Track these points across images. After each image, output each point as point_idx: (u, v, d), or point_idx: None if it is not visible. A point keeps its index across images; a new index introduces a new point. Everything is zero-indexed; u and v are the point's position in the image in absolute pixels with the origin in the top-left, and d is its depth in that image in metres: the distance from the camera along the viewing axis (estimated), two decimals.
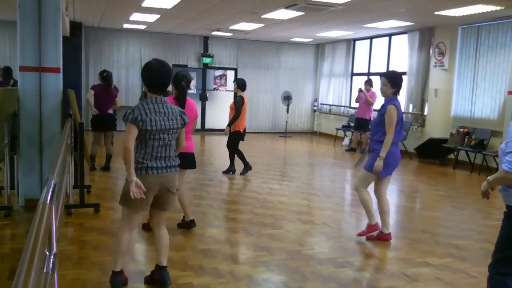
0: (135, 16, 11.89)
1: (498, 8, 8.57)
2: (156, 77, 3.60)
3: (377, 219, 5.37)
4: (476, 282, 4.22)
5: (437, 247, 5.17)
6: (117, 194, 6.86)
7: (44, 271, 2.19)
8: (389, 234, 5.31)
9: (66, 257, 4.39)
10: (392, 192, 8.25)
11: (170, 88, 4.83)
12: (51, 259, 2.29)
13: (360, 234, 5.36)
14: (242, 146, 8.79)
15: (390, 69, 13.33)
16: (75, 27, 13.45)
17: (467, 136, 10.25)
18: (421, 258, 4.78)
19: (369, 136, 12.58)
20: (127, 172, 3.53)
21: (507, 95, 8.99)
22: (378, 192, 5.40)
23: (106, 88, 8.60)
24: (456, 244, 5.28)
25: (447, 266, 4.57)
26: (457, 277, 4.31)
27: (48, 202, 2.28)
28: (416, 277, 4.26)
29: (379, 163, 5.08)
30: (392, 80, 5.23)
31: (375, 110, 12.78)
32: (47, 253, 2.33)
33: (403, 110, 12.46)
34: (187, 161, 5.09)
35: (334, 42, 15.72)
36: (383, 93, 5.31)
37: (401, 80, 5.33)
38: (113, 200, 6.57)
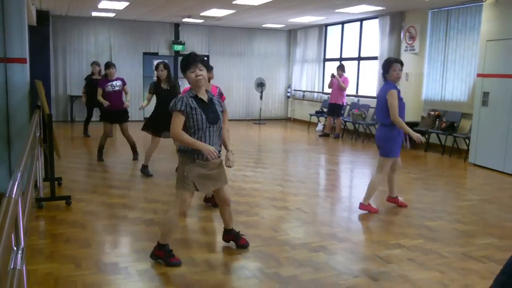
0: (103, 4, 11.66)
1: None
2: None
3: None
4: (448, 262, 4.30)
5: (409, 228, 5.25)
6: (89, 186, 6.80)
7: (12, 266, 2.15)
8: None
9: (37, 251, 4.31)
10: (364, 176, 8.34)
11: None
12: (19, 254, 2.24)
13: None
14: None
15: (362, 54, 13.42)
16: (42, 16, 13.12)
17: (437, 119, 10.40)
18: (394, 240, 4.84)
19: (342, 121, 12.70)
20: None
21: (476, 78, 9.12)
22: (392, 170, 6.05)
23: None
24: (428, 225, 5.37)
25: (419, 247, 4.65)
26: (429, 258, 4.38)
27: (13, 196, 2.23)
28: (389, 259, 4.32)
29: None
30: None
31: (348, 95, 12.87)
32: (15, 248, 2.29)
33: (375, 94, 12.60)
34: None
35: (306, 27, 15.71)
36: (400, 77, 5.67)
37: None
38: (85, 192, 6.48)
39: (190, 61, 3.96)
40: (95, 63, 11.77)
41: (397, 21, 11.80)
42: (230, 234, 4.58)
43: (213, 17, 13.50)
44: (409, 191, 7.19)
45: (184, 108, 3.88)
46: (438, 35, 10.78)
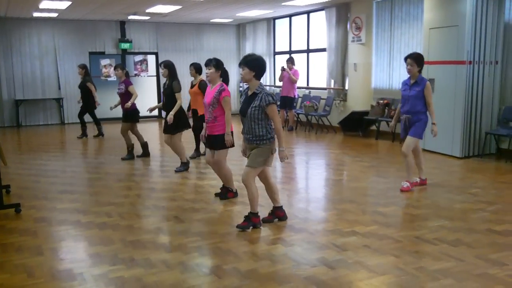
0: (44, 4, 11.28)
1: None
2: (265, 67, 4.97)
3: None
4: (402, 246, 4.40)
5: (364, 216, 5.34)
6: (39, 192, 6.58)
7: None
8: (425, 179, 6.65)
9: None
10: (319, 167, 8.46)
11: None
12: None
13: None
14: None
15: (311, 46, 13.56)
16: None
17: (387, 107, 10.63)
18: (349, 227, 4.92)
19: (295, 114, 12.80)
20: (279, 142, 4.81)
21: None
22: (416, 151, 6.54)
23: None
24: (381, 211, 5.49)
25: (374, 233, 4.74)
26: (383, 243, 4.47)
27: None
28: (345, 247, 4.39)
29: (435, 128, 6.27)
30: (418, 60, 6.17)
31: (299, 87, 12.98)
32: None
33: (325, 85, 12.77)
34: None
35: (255, 21, 15.72)
36: (410, 71, 6.21)
37: (423, 60, 6.29)
38: (35, 198, 6.27)
39: (241, 62, 4.89)
40: (78, 66, 11.92)
41: (343, 13, 11.97)
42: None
43: (160, 14, 13.31)
44: (362, 179, 7.33)
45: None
46: (383, 25, 11.00)
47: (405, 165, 6.45)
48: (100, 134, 11.86)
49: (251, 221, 4.92)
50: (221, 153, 5.89)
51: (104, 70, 15.29)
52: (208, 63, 6.02)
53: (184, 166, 7.73)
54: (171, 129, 7.59)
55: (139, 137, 9.00)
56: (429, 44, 8.95)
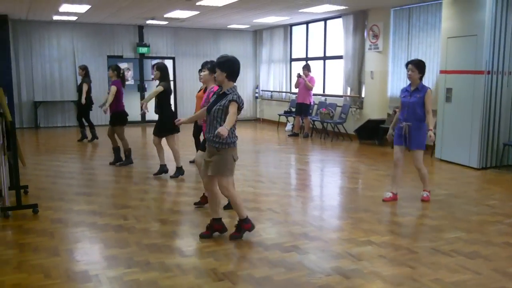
0: (64, 7, 11.43)
1: None
2: (238, 68, 4.76)
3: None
4: (418, 257, 4.37)
5: (379, 225, 5.31)
6: (56, 193, 6.66)
7: None
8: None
9: (4, 262, 4.20)
10: (334, 175, 8.43)
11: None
12: None
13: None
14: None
15: (327, 53, 13.55)
16: (0, 20, 12.80)
17: None
18: (364, 237, 4.90)
19: (310, 120, 12.79)
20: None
21: (439, 74, 9.31)
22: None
23: (123, 83, 8.78)
24: (397, 221, 5.46)
25: (389, 243, 4.71)
26: (399, 254, 4.45)
27: None
28: (360, 256, 4.37)
29: (432, 134, 5.98)
30: (419, 66, 6.07)
31: (314, 94, 12.98)
32: None
33: (341, 93, 12.74)
34: None
35: (272, 28, 15.77)
36: (410, 77, 6.12)
37: (425, 66, 6.19)
38: (52, 199, 6.34)
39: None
40: (79, 67, 11.96)
41: (360, 20, 11.95)
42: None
43: (178, 19, 13.40)
44: (378, 188, 7.28)
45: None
46: (400, 33, 10.96)
47: (419, 177, 6.39)
48: (95, 137, 11.61)
49: (243, 228, 4.86)
50: None
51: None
52: (204, 65, 6.03)
53: (179, 172, 7.72)
54: (157, 131, 7.65)
55: (124, 143, 8.64)
56: (447, 53, 8.90)
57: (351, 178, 8.23)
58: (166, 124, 7.43)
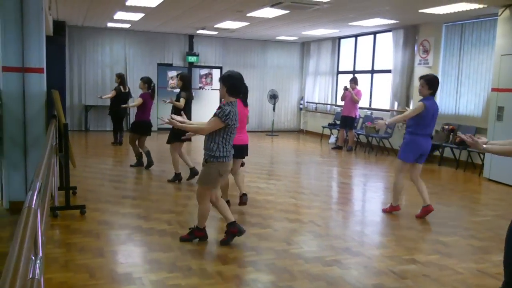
0: (119, 15, 11.80)
1: (480, 6, 8.65)
2: (241, 84, 4.89)
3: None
4: (463, 278, 4.25)
5: (424, 244, 5.20)
6: (103, 195, 6.83)
7: (30, 276, 2.16)
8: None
9: (52, 260, 4.34)
10: (378, 190, 8.31)
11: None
12: (37, 264, 2.26)
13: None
14: None
15: (375, 67, 13.42)
16: (59, 26, 13.32)
17: (452, 133, 10.33)
18: (408, 255, 4.81)
19: (355, 134, 12.67)
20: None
21: (491, 92, 9.07)
22: (412, 177, 6.41)
23: (152, 95, 9.18)
24: (442, 240, 5.32)
25: (434, 263, 4.61)
26: (444, 274, 4.34)
27: (33, 206, 2.25)
28: (404, 274, 4.28)
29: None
30: (429, 82, 6.07)
31: (361, 108, 12.86)
32: (33, 257, 2.30)
33: (388, 108, 12.57)
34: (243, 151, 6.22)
35: (320, 40, 15.75)
36: (420, 92, 6.18)
37: (438, 83, 6.19)
38: (99, 201, 6.51)
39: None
40: (116, 75, 12.22)
41: (410, 35, 11.79)
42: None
43: (227, 29, 13.59)
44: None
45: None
46: (452, 49, 10.75)
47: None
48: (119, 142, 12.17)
49: (194, 234, 5.01)
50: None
51: (170, 81, 15.71)
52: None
53: (177, 177, 7.95)
54: (169, 138, 7.95)
55: (143, 148, 9.08)
56: (500, 70, 8.66)
57: None
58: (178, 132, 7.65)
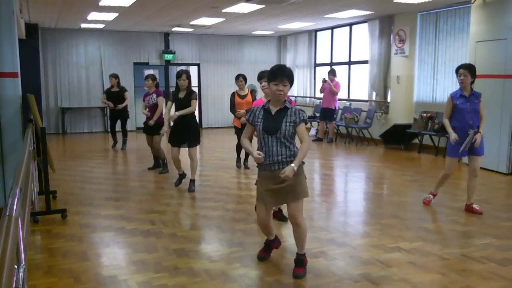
0: (93, 15, 11.64)
1: None
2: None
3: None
4: (448, 263, 4.30)
5: (408, 231, 5.25)
6: (84, 198, 6.74)
7: (14, 286, 2.12)
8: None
9: (35, 266, 4.27)
10: (359, 180, 8.36)
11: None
12: (21, 273, 2.21)
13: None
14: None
15: (352, 58, 13.48)
16: (31, 29, 13.08)
17: (430, 121, 10.45)
18: (393, 243, 4.84)
19: (335, 125, 12.73)
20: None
21: None
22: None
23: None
24: (426, 227, 5.38)
25: (419, 250, 4.65)
26: (429, 260, 4.38)
27: (13, 214, 2.19)
28: (389, 263, 4.31)
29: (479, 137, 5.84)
30: (472, 70, 5.78)
31: (340, 99, 12.92)
32: (16, 267, 2.25)
33: (366, 98, 12.66)
34: None
35: (296, 33, 15.77)
36: (463, 83, 5.77)
37: (476, 71, 5.89)
38: (80, 204, 6.43)
39: (278, 73, 3.90)
40: (111, 76, 11.51)
41: (386, 25, 11.87)
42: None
43: (203, 26, 13.51)
44: (405, 193, 7.21)
45: (252, 119, 4.06)
46: (427, 38, 10.85)
47: (471, 186, 6.05)
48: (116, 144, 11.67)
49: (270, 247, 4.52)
50: None
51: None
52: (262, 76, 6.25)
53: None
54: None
55: (161, 152, 8.72)
56: (476, 57, 8.76)
57: (377, 183, 8.15)
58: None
